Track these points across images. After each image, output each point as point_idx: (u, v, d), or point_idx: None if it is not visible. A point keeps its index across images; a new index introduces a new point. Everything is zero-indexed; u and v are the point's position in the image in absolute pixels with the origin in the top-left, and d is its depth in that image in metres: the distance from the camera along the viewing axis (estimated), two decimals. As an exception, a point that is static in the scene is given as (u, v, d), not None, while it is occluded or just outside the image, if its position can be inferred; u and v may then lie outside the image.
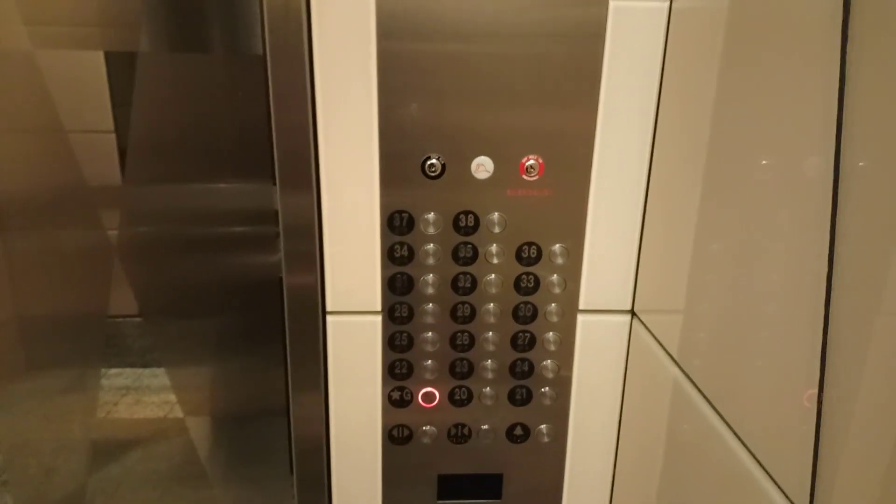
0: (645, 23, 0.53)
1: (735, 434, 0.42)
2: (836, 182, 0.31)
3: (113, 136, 0.64)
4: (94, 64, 0.62)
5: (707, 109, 0.45)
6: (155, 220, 0.67)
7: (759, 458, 0.39)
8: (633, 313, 0.60)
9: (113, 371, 0.83)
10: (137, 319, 0.72)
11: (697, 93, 0.47)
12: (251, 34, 0.59)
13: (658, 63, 0.54)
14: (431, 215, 0.56)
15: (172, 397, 0.76)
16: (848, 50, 0.31)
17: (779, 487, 0.37)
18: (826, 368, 0.32)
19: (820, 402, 0.32)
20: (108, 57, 0.62)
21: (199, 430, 0.75)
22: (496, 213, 0.56)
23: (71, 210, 0.66)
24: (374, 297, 0.58)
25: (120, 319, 0.73)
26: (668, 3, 0.52)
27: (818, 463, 0.33)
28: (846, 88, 0.31)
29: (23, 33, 0.60)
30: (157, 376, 0.79)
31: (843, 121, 0.31)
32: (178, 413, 0.76)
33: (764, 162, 0.38)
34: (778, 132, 0.37)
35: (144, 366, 0.82)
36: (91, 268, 0.69)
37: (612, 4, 0.52)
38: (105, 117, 0.64)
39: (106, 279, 0.69)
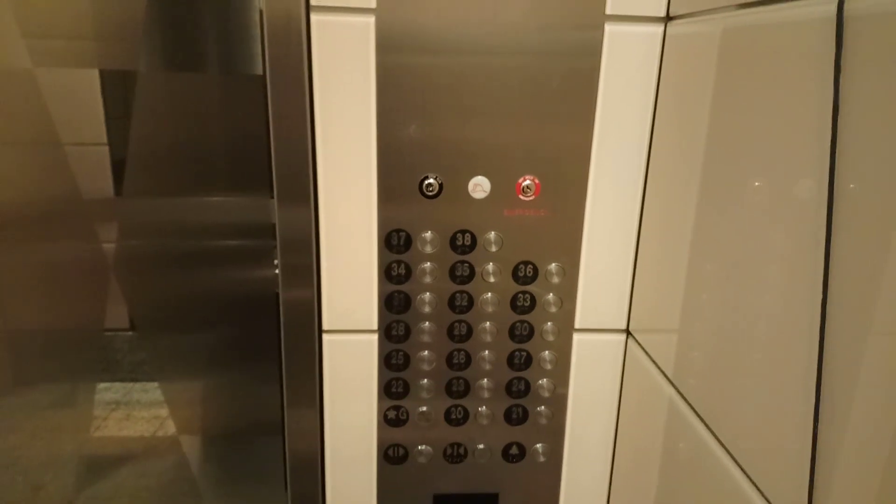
0: (640, 46, 0.54)
1: (729, 453, 0.42)
2: (830, 202, 0.32)
3: (106, 148, 0.64)
4: (88, 76, 0.62)
5: (702, 130, 0.46)
6: (150, 233, 0.67)
7: (754, 478, 0.39)
8: (628, 332, 0.61)
9: (103, 385, 0.82)
10: (129, 333, 0.72)
11: (692, 114, 0.48)
12: (251, 52, 0.60)
13: (653, 84, 0.55)
14: (429, 234, 0.56)
15: (164, 412, 0.76)
16: (841, 76, 0.31)
17: (774, 509, 0.37)
18: (822, 388, 0.33)
19: (816, 421, 0.33)
20: (103, 69, 0.62)
21: (191, 446, 0.75)
22: (493, 233, 0.57)
23: (64, 222, 0.66)
24: (370, 315, 0.58)
25: (111, 333, 0.72)
26: (662, 28, 0.53)
27: (815, 483, 0.33)
28: (840, 111, 0.31)
29: (20, 47, 0.60)
30: (149, 391, 0.78)
31: (838, 143, 0.31)
32: (170, 429, 0.76)
33: (758, 183, 0.39)
34: (772, 154, 0.38)
35: (135, 380, 0.81)
36: (85, 281, 0.68)
37: (607, 28, 0.53)
38: (98, 129, 0.64)
39: (100, 293, 0.68)
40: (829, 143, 0.32)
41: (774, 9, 0.38)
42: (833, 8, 0.31)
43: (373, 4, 0.51)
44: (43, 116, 0.62)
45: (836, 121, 0.31)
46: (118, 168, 0.65)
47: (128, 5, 0.59)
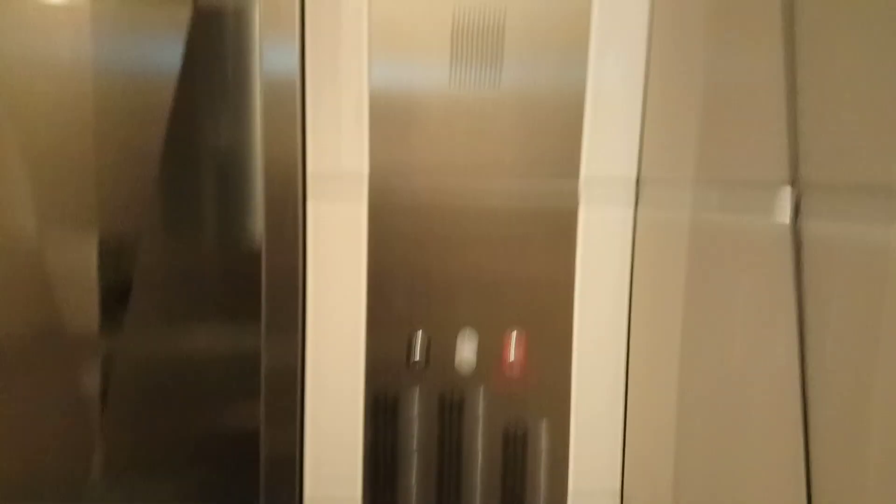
0: (612, 226, 0.56)
1: None
2: (803, 367, 0.33)
3: (95, 282, 0.64)
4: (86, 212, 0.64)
5: (678, 299, 0.48)
6: (135, 370, 0.65)
7: None
8: (622, 494, 0.59)
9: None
10: (105, 475, 0.68)
11: (666, 278, 0.50)
12: (247, 218, 0.61)
13: (628, 253, 0.57)
14: (416, 395, 0.56)
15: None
16: (802, 259, 0.34)
17: None
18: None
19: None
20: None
21: None
22: (481, 392, 0.56)
23: (48, 359, 0.64)
24: (354, 484, 0.57)
25: (87, 479, 0.68)
26: (632, 210, 0.56)
27: None
28: (803, 287, 0.33)
29: (27, 205, 0.62)
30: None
31: (805, 326, 0.33)
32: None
33: (736, 344, 0.40)
34: (746, 319, 0.39)
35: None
36: (70, 426, 0.66)
37: (582, 195, 0.56)
38: (90, 263, 0.64)
39: (87, 439, 0.65)
40: (796, 322, 0.34)
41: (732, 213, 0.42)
42: (787, 221, 0.35)
43: (366, 171, 0.54)
44: (36, 258, 0.63)
45: (803, 318, 0.34)
46: (107, 303, 0.64)
47: (134, 180, 0.62)
